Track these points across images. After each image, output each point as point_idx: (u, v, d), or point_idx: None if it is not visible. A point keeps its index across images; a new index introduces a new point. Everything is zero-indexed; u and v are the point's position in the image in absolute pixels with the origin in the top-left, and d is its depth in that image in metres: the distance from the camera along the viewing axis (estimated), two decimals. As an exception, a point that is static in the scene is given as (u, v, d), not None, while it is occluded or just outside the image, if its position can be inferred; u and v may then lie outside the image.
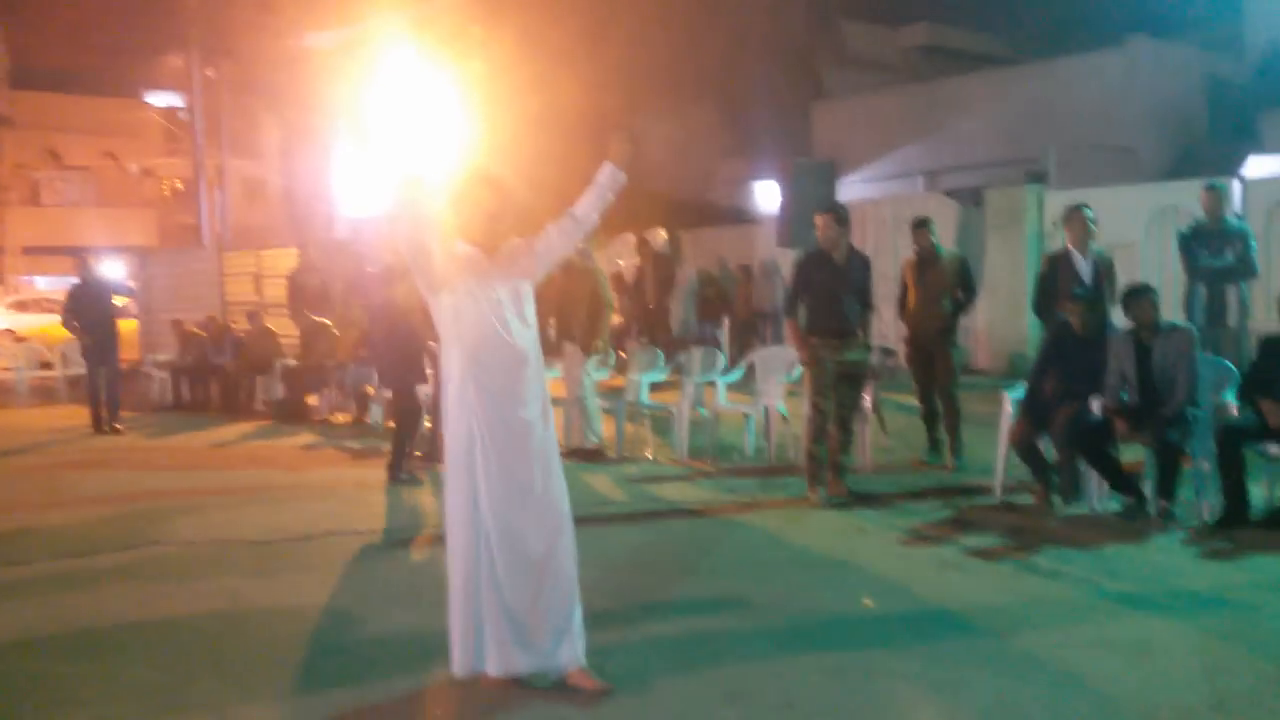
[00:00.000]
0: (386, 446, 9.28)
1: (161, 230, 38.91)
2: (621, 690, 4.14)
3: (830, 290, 7.51)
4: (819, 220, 7.61)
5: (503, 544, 4.05)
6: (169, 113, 37.95)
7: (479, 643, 4.08)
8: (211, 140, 25.67)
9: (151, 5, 27.40)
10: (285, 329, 14.84)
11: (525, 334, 4.20)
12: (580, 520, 6.95)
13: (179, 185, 39.34)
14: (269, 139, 38.52)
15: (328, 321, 13.66)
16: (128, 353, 18.27)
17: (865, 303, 7.68)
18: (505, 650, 4.07)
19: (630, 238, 19.35)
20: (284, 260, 17.79)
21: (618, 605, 5.22)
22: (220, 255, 20.20)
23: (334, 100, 23.67)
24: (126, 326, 17.92)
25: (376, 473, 8.82)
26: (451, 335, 4.14)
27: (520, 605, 4.06)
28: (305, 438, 11.39)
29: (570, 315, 9.46)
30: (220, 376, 14.37)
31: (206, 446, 11.14)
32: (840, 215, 7.64)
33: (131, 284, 22.95)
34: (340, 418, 12.63)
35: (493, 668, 4.10)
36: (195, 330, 15.49)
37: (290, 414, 12.79)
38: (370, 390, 11.89)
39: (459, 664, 4.12)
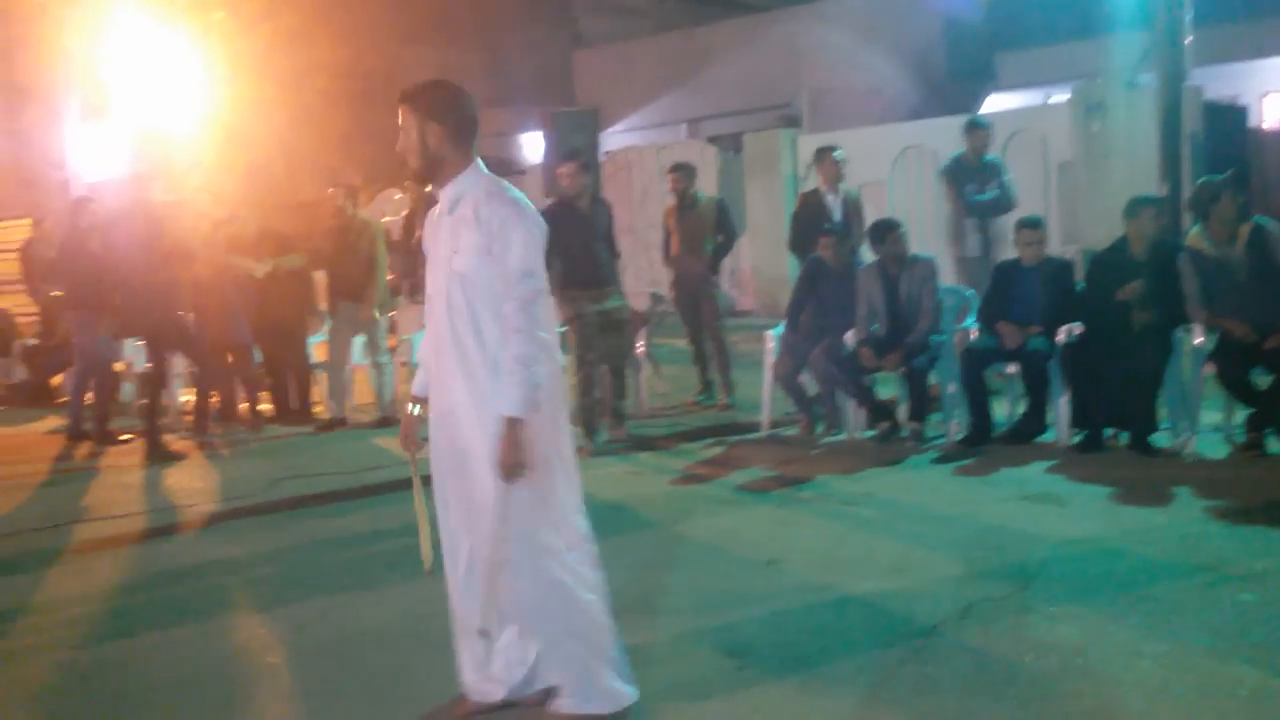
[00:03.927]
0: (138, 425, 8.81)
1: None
2: (378, 652, 4.06)
3: (582, 240, 7.42)
4: (563, 170, 7.51)
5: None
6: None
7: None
8: (-76, 104, 23.43)
9: None
10: (23, 306, 13.78)
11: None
12: (354, 487, 6.85)
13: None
14: (-8, 101, 35.50)
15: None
16: None
17: (612, 249, 7.67)
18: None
19: (395, 193, 18.83)
20: (16, 233, 16.46)
21: (387, 570, 5.12)
22: (-57, 229, 18.50)
23: (64, 56, 22.00)
24: None
25: (129, 455, 8.34)
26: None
27: None
28: (50, 421, 10.64)
29: (347, 273, 9.04)
30: (-51, 362, 13.22)
31: (-62, 438, 10.24)
32: (587, 162, 7.63)
33: None
34: (89, 397, 11.85)
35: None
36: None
37: (33, 397, 11.91)
38: (120, 366, 11.18)
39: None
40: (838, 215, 8.37)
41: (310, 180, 14.94)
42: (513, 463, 3.20)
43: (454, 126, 3.36)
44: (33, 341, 12.65)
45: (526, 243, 3.34)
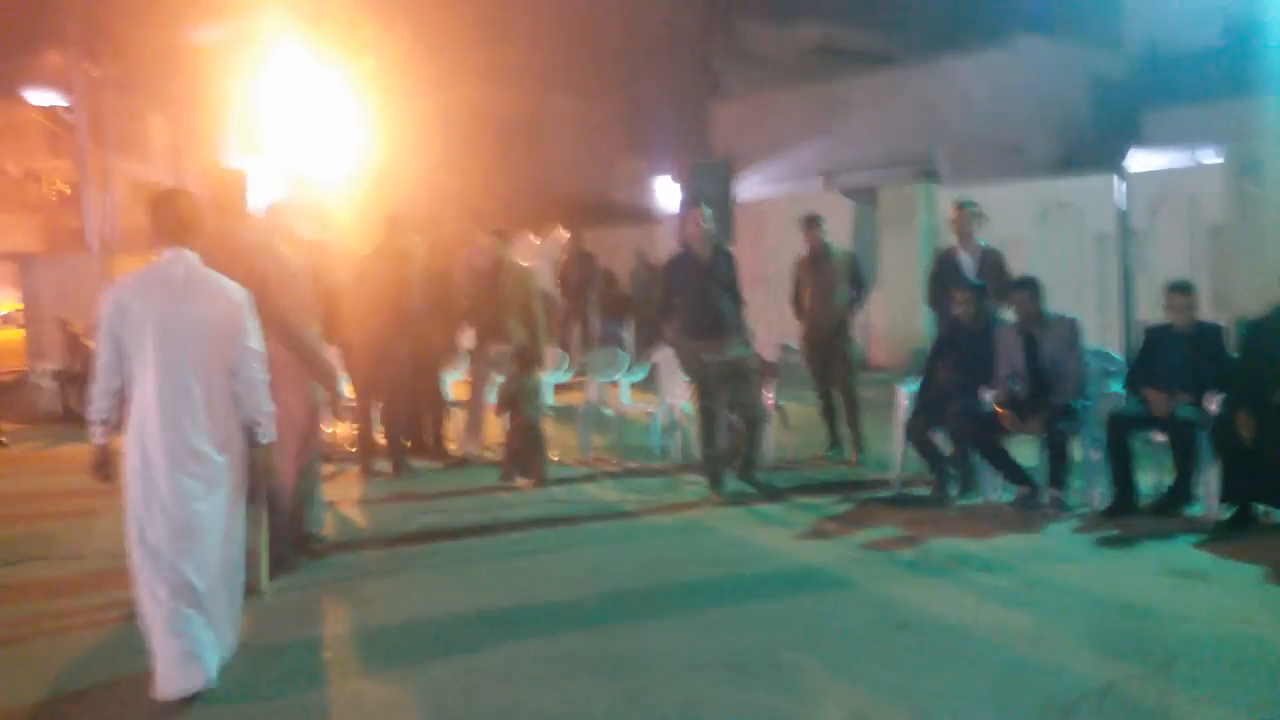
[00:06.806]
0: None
1: (49, 235, 37.48)
2: (522, 696, 4.11)
3: (701, 289, 7.46)
4: (692, 216, 7.57)
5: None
6: (51, 112, 36.58)
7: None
8: (96, 141, 24.80)
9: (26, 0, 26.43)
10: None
11: None
12: (485, 525, 6.99)
13: (64, 189, 37.98)
14: (157, 139, 37.47)
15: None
16: (13, 362, 17.64)
17: (736, 298, 7.66)
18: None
19: (532, 238, 19.17)
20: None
21: (519, 611, 5.20)
22: (108, 259, 19.54)
23: (223, 98, 23.14)
24: (12, 336, 17.26)
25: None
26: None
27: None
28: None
29: (496, 314, 8.91)
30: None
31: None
32: (713, 214, 7.70)
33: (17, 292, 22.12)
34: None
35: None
36: (83, 337, 14.93)
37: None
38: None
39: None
40: (972, 272, 8.23)
41: (453, 219, 15.34)
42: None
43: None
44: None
45: None
